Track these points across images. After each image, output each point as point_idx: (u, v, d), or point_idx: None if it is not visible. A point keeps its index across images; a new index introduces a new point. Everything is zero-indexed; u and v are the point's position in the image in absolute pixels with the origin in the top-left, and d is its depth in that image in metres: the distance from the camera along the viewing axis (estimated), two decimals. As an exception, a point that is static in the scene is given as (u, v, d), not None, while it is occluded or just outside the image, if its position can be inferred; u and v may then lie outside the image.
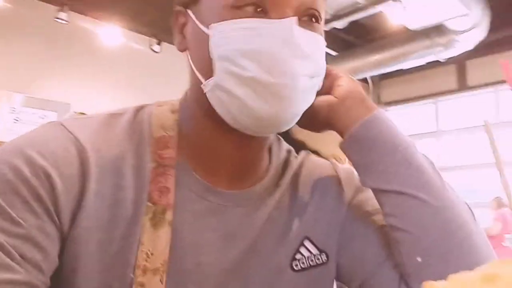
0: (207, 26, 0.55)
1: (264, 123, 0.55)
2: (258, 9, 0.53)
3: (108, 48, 5.16)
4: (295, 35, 0.52)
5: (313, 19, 0.57)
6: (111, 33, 5.14)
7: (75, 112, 4.76)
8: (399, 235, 0.58)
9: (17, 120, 4.60)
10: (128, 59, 5.36)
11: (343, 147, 0.62)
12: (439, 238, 0.55)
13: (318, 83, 0.59)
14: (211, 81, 0.55)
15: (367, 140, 0.59)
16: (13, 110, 4.59)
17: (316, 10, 0.56)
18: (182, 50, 0.61)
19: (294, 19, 0.53)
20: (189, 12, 0.59)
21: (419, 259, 0.56)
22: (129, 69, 5.36)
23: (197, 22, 0.57)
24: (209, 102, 0.56)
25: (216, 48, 0.54)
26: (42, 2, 4.75)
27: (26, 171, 0.49)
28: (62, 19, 4.66)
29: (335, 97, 0.61)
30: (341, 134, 0.62)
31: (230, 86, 0.54)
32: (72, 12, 4.78)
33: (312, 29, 0.56)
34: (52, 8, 4.68)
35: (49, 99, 4.77)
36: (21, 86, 4.67)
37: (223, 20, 0.54)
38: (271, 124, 0.55)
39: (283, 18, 0.53)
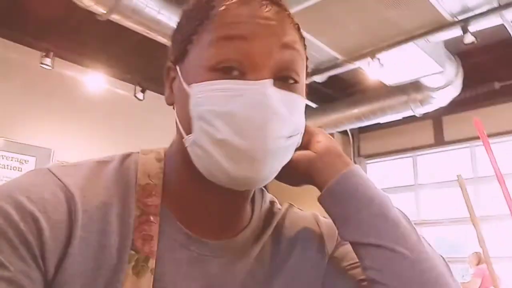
0: (189, 85, 0.57)
1: (238, 182, 0.56)
2: (236, 72, 0.55)
3: (91, 94, 5.19)
4: (270, 98, 0.54)
5: (291, 80, 0.58)
6: (95, 80, 5.17)
7: (58, 161, 4.72)
8: (378, 287, 0.58)
9: (-6, 164, 4.53)
10: (111, 106, 5.38)
11: (321, 200, 0.63)
12: None
13: (297, 141, 0.60)
14: (190, 137, 0.57)
15: (344, 193, 0.61)
16: (-9, 154, 4.52)
17: (294, 71, 0.58)
18: (169, 103, 0.64)
19: (269, 81, 0.54)
20: (178, 68, 0.61)
21: None
22: (112, 116, 5.37)
23: (181, 79, 0.59)
24: (190, 156, 0.58)
25: (195, 107, 0.56)
26: (28, 48, 4.79)
27: (15, 215, 0.49)
28: (47, 65, 4.69)
29: (314, 152, 0.63)
30: (319, 188, 0.63)
31: (205, 145, 0.55)
32: (57, 58, 4.83)
33: (290, 89, 0.58)
34: (37, 53, 4.73)
35: (29, 144, 4.72)
36: (1, 130, 4.62)
37: (202, 81, 0.56)
38: (244, 183, 0.57)
39: (259, 80, 0.54)
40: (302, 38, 0.62)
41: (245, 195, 0.64)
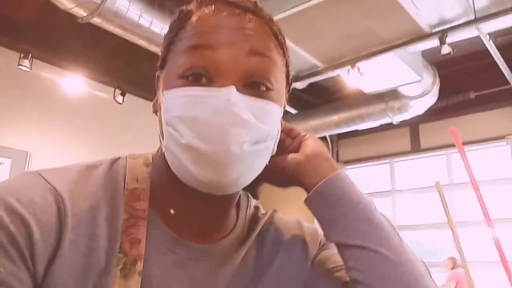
0: (163, 92, 0.59)
1: (207, 186, 0.57)
2: (205, 79, 0.57)
3: (70, 97, 5.12)
4: (233, 104, 0.54)
5: (263, 87, 0.58)
6: (74, 82, 5.11)
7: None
8: None
9: (-31, 166, 4.43)
10: (90, 108, 5.31)
11: (308, 202, 0.65)
12: None
13: (269, 147, 0.60)
14: (163, 142, 0.59)
15: (331, 196, 0.63)
16: (-34, 156, 4.43)
17: (265, 77, 0.58)
18: (154, 111, 0.65)
19: (232, 88, 0.55)
20: (159, 77, 0.64)
21: None
22: (91, 119, 5.30)
23: (161, 87, 0.62)
24: None
25: (164, 113, 0.58)
26: (5, 49, 4.71)
27: (5, 217, 0.50)
28: (25, 66, 4.62)
29: (303, 155, 0.65)
30: (306, 190, 0.65)
31: (173, 150, 0.57)
32: (36, 60, 4.76)
33: (261, 96, 0.58)
34: (15, 55, 4.65)
35: (4, 146, 4.63)
36: (-24, 131, 4.53)
37: (172, 88, 0.58)
38: (213, 188, 0.57)
39: (224, 87, 0.55)
40: (281, 46, 0.63)
41: (228, 200, 0.64)
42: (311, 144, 0.67)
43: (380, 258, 0.59)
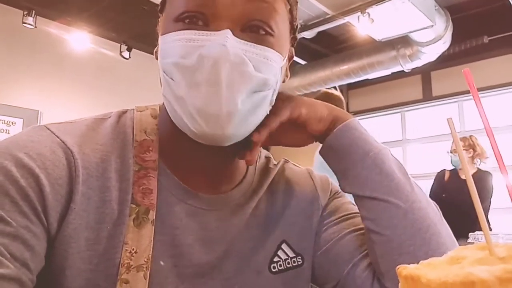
0: (160, 37, 0.58)
1: (203, 139, 0.56)
2: (201, 22, 0.55)
3: (76, 54, 5.09)
4: (228, 50, 0.52)
5: (262, 31, 0.56)
6: (79, 39, 5.06)
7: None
8: (373, 236, 0.61)
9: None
10: (97, 65, 5.29)
11: (321, 154, 0.66)
12: (409, 237, 0.58)
13: (266, 97, 0.58)
14: (162, 90, 0.58)
15: (340, 148, 0.63)
16: (-22, 117, 4.47)
17: (262, 21, 0.56)
18: (156, 58, 0.63)
19: (227, 32, 0.53)
20: (159, 21, 0.62)
21: (392, 257, 0.59)
22: (99, 76, 5.29)
23: (160, 32, 0.60)
24: None
25: (161, 60, 0.56)
26: (9, 7, 4.64)
27: (15, 172, 0.50)
28: (30, 24, 4.57)
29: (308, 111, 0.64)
30: (320, 142, 0.66)
31: (170, 100, 0.56)
32: (40, 17, 4.69)
33: (260, 41, 0.56)
34: (19, 12, 4.59)
35: (15, 106, 4.65)
36: (-14, 92, 4.55)
37: (168, 32, 0.56)
38: (209, 141, 0.57)
39: (219, 30, 0.53)
40: None
41: (232, 150, 0.63)
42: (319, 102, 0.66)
43: (390, 207, 0.60)
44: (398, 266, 0.31)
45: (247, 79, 0.54)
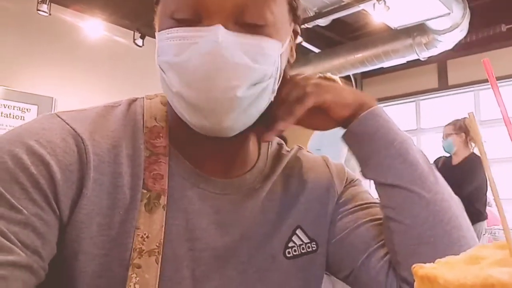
0: (156, 33, 0.58)
1: (204, 131, 0.57)
2: (193, 18, 0.54)
3: (90, 41, 5.11)
4: (221, 44, 0.51)
5: (256, 21, 0.55)
6: (93, 26, 5.08)
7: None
8: (392, 224, 0.60)
9: (-3, 113, 4.53)
10: (110, 52, 5.31)
11: (345, 140, 0.65)
12: (430, 228, 0.58)
13: (267, 88, 0.58)
14: (161, 85, 0.58)
15: (364, 135, 0.62)
16: (-7, 103, 4.52)
17: (257, 13, 0.55)
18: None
19: (219, 27, 0.52)
20: (155, 16, 0.62)
21: (410, 247, 0.58)
22: (113, 63, 5.32)
23: (155, 26, 0.60)
24: None
25: (157, 57, 0.56)
26: (22, -7, 4.67)
27: (26, 159, 0.50)
28: (44, 11, 4.59)
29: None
30: (344, 128, 0.66)
31: (169, 95, 0.57)
32: (54, 5, 4.71)
33: (256, 32, 0.55)
34: (33, 0, 4.61)
35: (30, 93, 4.70)
36: (1, 78, 4.59)
37: (163, 29, 0.55)
38: (210, 133, 0.57)
39: (211, 26, 0.52)
40: None
41: (238, 138, 0.63)
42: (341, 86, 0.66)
43: (413, 196, 0.59)
44: (414, 265, 0.30)
45: (243, 73, 0.53)
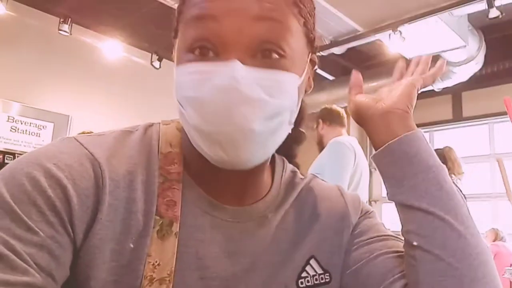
0: (176, 67, 0.58)
1: (221, 164, 0.56)
2: (212, 53, 0.54)
3: (108, 62, 5.21)
4: (238, 80, 0.51)
5: (275, 55, 0.55)
6: (112, 48, 5.18)
7: (85, 132, 4.79)
8: (419, 253, 0.58)
9: (14, 129, 4.60)
10: (128, 74, 5.40)
11: (375, 158, 0.64)
12: (458, 261, 0.56)
13: (283, 122, 0.57)
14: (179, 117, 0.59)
15: (403, 155, 0.61)
16: (10, 119, 4.60)
17: (275, 44, 0.54)
18: None
19: (235, 63, 0.52)
20: (174, 48, 0.62)
21: (436, 279, 0.56)
22: (129, 84, 5.39)
23: (175, 59, 0.60)
24: None
25: (175, 91, 0.57)
26: (46, 14, 4.79)
27: (44, 182, 0.50)
28: (65, 31, 4.70)
29: (378, 109, 0.66)
30: (374, 144, 0.65)
31: (186, 128, 0.57)
32: (75, 25, 4.82)
33: (273, 65, 0.54)
34: (55, 19, 4.73)
35: (47, 110, 4.77)
36: (19, 95, 4.68)
37: (181, 63, 0.56)
38: (227, 166, 0.57)
39: (229, 60, 0.52)
40: (297, 5, 0.58)
41: (255, 169, 0.62)
42: (396, 95, 0.69)
43: (446, 226, 0.57)
44: None
45: (260, 108, 0.53)
